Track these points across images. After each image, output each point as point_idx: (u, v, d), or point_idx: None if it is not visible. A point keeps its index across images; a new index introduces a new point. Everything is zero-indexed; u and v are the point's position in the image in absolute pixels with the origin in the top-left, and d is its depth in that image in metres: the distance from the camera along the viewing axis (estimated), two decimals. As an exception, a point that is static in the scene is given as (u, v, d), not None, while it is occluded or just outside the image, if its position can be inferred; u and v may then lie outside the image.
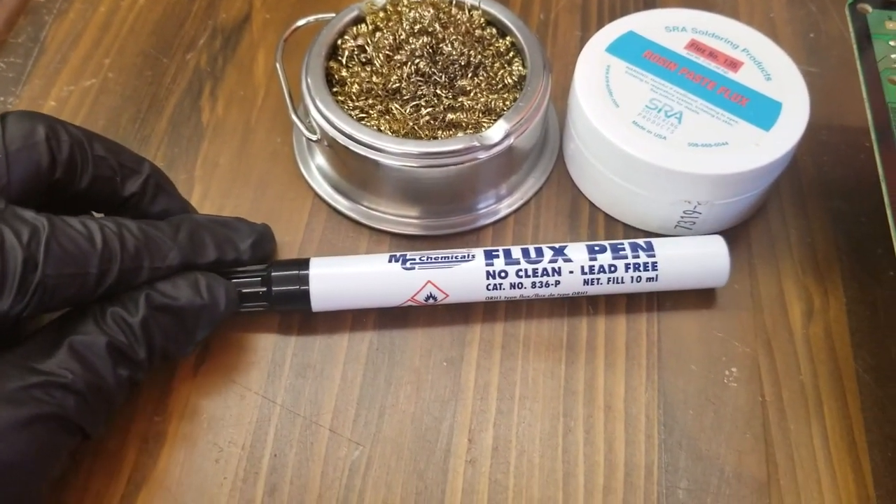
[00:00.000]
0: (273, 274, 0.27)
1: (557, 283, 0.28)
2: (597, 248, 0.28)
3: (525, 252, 0.28)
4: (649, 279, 0.28)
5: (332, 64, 0.32)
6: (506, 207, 0.32)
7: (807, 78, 0.31)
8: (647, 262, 0.28)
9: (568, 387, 0.28)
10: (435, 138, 0.30)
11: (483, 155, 0.29)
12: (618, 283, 0.28)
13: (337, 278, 0.27)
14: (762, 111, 0.29)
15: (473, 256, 0.28)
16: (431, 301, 0.28)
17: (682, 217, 0.30)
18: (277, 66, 0.32)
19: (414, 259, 0.28)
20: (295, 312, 0.29)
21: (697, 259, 0.28)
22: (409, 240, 0.31)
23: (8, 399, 0.21)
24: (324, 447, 0.26)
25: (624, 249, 0.28)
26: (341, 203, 0.32)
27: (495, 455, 0.26)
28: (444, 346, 0.28)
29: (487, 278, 0.28)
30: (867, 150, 0.32)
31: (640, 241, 0.28)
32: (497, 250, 0.28)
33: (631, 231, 0.31)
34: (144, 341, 0.24)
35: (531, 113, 0.30)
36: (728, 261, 0.28)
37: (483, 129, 0.30)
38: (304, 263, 0.28)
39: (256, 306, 0.27)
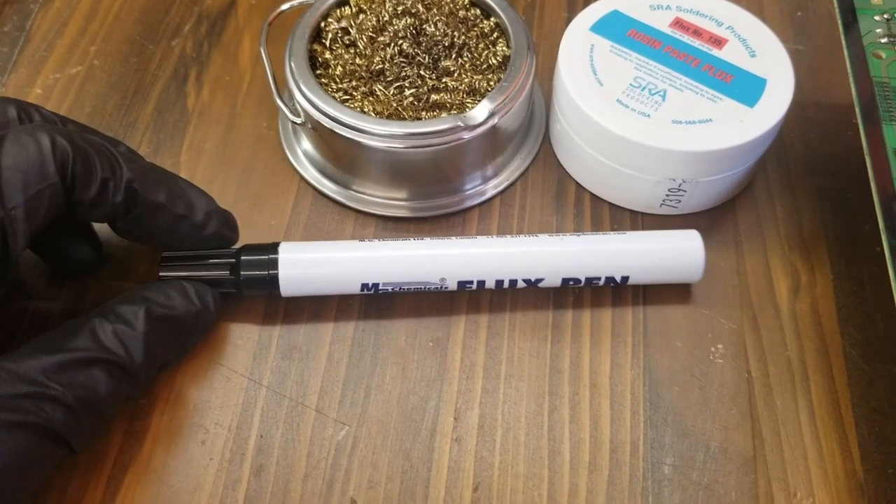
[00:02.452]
0: (242, 258, 0.27)
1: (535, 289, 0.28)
2: (571, 282, 0.28)
3: (499, 283, 0.28)
4: (623, 278, 0.28)
5: (316, 47, 0.32)
6: (492, 188, 0.32)
7: (794, 56, 0.31)
8: (618, 277, 0.28)
9: (554, 365, 0.28)
10: (419, 119, 0.29)
11: (467, 135, 0.29)
12: (594, 282, 0.28)
13: (307, 263, 0.27)
14: (746, 88, 0.29)
15: (446, 287, 0.28)
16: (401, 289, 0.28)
17: (667, 195, 0.30)
18: (262, 50, 0.31)
19: (387, 289, 0.27)
20: (266, 298, 0.29)
21: (671, 265, 0.28)
22: (396, 222, 0.31)
23: None
24: (310, 428, 0.26)
25: (599, 280, 0.28)
26: (327, 186, 0.32)
27: (481, 433, 0.26)
28: (430, 327, 0.28)
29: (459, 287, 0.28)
30: (854, 128, 0.32)
31: (616, 276, 0.28)
32: (471, 282, 0.28)
33: (617, 210, 0.31)
34: (144, 353, 0.24)
35: (515, 93, 0.30)
36: (703, 263, 0.28)
37: (467, 110, 0.29)
38: (273, 248, 0.27)
39: (226, 291, 0.27)
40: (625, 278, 0.28)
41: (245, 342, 0.28)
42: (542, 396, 0.27)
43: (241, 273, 0.27)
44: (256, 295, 0.28)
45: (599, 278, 0.28)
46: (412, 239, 0.28)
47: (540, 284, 0.28)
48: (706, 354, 0.28)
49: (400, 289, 0.27)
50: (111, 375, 0.23)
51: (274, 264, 0.27)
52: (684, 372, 0.27)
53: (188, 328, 0.26)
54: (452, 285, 0.28)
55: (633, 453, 0.26)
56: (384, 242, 0.28)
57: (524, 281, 0.28)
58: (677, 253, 0.28)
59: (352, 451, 0.26)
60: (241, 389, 0.27)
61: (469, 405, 0.27)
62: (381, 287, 0.27)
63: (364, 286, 0.27)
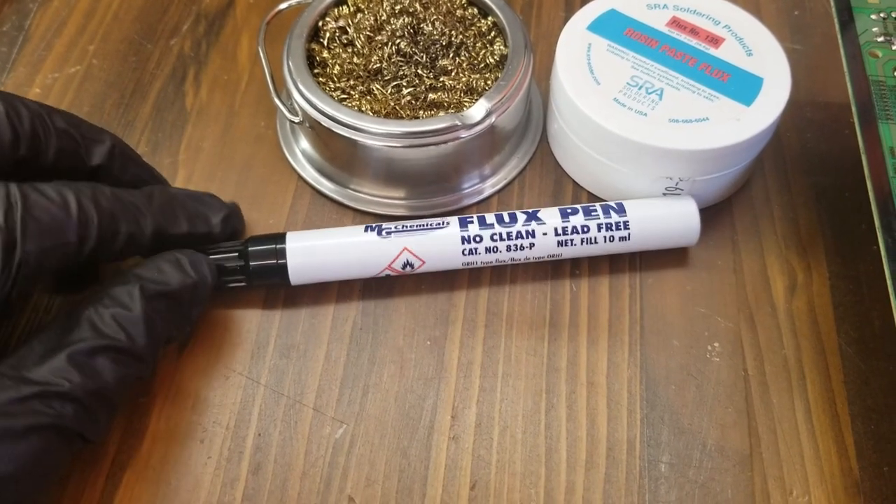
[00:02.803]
0: (250, 249, 0.27)
1: (532, 245, 0.28)
2: (569, 211, 0.29)
3: (499, 217, 0.28)
4: (622, 238, 0.28)
5: (314, 46, 0.32)
6: (490, 187, 0.32)
7: (792, 55, 0.31)
8: (619, 222, 0.28)
9: (551, 364, 0.28)
10: (416, 118, 0.30)
11: (465, 134, 0.29)
12: (591, 243, 0.28)
13: (314, 251, 0.28)
14: (743, 87, 0.29)
15: (448, 223, 0.28)
16: (409, 269, 0.28)
17: (664, 194, 0.30)
18: (260, 49, 0.32)
19: (389, 228, 0.28)
20: (275, 287, 0.29)
21: (668, 216, 0.29)
22: (394, 221, 0.31)
23: (3, 412, 0.20)
24: (308, 426, 0.26)
25: (596, 210, 0.29)
26: (325, 185, 0.32)
27: (478, 431, 0.26)
28: (427, 326, 0.28)
29: (463, 243, 0.28)
30: (851, 127, 0.32)
31: (612, 203, 0.29)
32: (471, 217, 0.28)
33: (614, 209, 0.31)
34: (146, 333, 0.23)
35: (512, 92, 0.30)
36: (698, 217, 0.29)
37: (465, 109, 0.30)
38: (280, 237, 0.28)
39: (235, 281, 0.27)
40: (623, 238, 0.28)
41: (243, 341, 0.28)
42: (539, 395, 0.27)
43: (251, 263, 0.27)
44: (266, 285, 0.29)
45: (595, 240, 0.28)
46: (415, 223, 0.28)
47: (534, 250, 0.28)
48: (703, 353, 0.28)
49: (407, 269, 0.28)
50: (116, 362, 0.23)
51: (282, 253, 0.27)
52: (681, 370, 0.27)
53: (187, 301, 0.25)
54: (455, 264, 0.28)
55: (630, 451, 0.26)
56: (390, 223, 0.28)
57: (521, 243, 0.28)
58: (673, 215, 0.29)
59: (349, 449, 0.26)
60: (240, 388, 0.27)
61: (466, 403, 0.27)
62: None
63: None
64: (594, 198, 0.32)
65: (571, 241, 0.28)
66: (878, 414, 0.27)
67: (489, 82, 0.31)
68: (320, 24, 0.32)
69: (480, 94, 0.30)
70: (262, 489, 0.25)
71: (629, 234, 0.28)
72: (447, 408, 0.27)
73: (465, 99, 0.30)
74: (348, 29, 0.32)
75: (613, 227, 0.28)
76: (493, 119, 0.29)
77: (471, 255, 0.28)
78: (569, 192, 0.32)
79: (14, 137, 0.24)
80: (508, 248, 0.28)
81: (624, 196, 0.31)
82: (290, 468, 0.26)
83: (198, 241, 0.27)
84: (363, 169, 0.31)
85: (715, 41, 0.31)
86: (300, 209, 0.31)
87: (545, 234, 0.28)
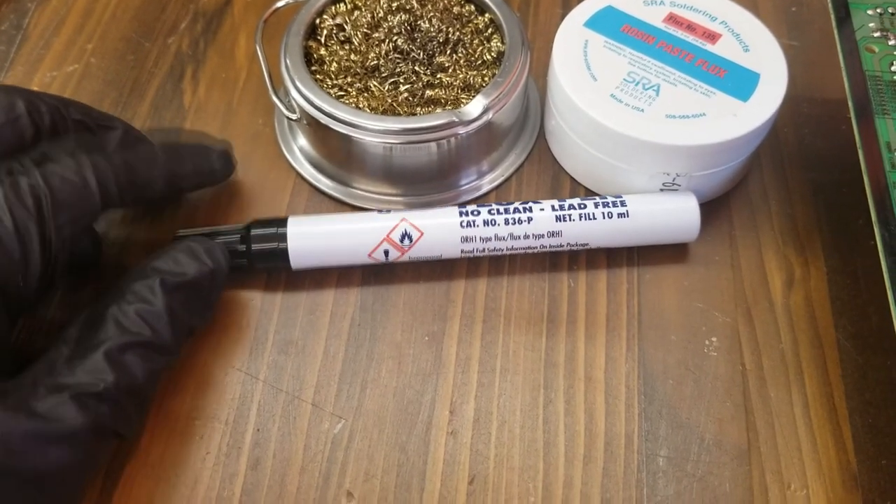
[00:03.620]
0: (252, 232, 0.28)
1: (530, 219, 0.28)
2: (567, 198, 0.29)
3: (497, 202, 0.29)
4: (620, 215, 0.29)
5: (311, 43, 0.32)
6: (487, 183, 0.32)
7: (789, 51, 0.31)
8: (616, 201, 0.29)
9: (549, 359, 0.28)
10: (414, 115, 0.30)
11: (462, 130, 0.29)
12: (589, 219, 0.29)
13: (315, 232, 0.28)
14: (740, 82, 0.29)
15: (447, 203, 0.29)
16: (407, 242, 0.28)
17: (661, 190, 0.30)
18: (257, 47, 0.32)
19: (389, 208, 0.29)
20: (277, 270, 0.29)
21: (668, 210, 0.29)
22: (391, 217, 0.31)
23: (44, 416, 0.21)
24: (306, 421, 0.26)
25: (593, 196, 0.29)
26: (323, 182, 0.32)
27: (476, 426, 0.26)
28: (425, 321, 0.29)
29: (461, 216, 0.28)
30: (848, 122, 0.32)
31: (611, 196, 0.29)
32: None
33: (612, 205, 0.31)
34: (171, 325, 0.24)
35: (510, 88, 0.30)
36: (698, 212, 0.29)
37: (462, 105, 0.30)
38: (282, 222, 0.28)
39: (237, 263, 0.28)
40: (622, 216, 0.29)
41: (241, 337, 0.28)
42: (537, 390, 0.27)
43: (252, 246, 0.28)
44: (267, 268, 0.29)
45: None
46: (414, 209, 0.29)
47: (532, 224, 0.29)
48: (700, 348, 0.28)
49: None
50: (144, 357, 0.23)
51: (283, 237, 0.28)
52: (679, 365, 0.27)
53: (206, 288, 0.26)
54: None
55: (628, 446, 0.26)
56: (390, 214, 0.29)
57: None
58: (673, 204, 0.29)
59: (348, 444, 0.26)
60: (238, 384, 0.27)
61: (464, 399, 0.27)
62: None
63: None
64: (592, 194, 0.32)
65: (569, 216, 0.28)
66: (876, 408, 0.27)
67: (486, 79, 0.31)
68: (317, 21, 0.32)
69: (477, 91, 0.30)
70: (260, 484, 0.25)
71: (628, 212, 0.29)
72: (445, 403, 0.27)
73: (463, 96, 0.30)
74: (345, 26, 0.32)
75: (611, 205, 0.29)
76: (490, 115, 0.29)
77: (469, 229, 0.28)
78: (566, 188, 0.32)
79: (35, 132, 0.24)
80: (506, 222, 0.28)
81: (622, 192, 0.31)
82: (288, 463, 0.26)
83: (203, 178, 0.29)
84: (361, 166, 0.31)
85: (712, 37, 0.31)
86: (298, 206, 0.31)
87: (542, 209, 0.29)
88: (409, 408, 0.27)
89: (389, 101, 0.30)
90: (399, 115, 0.30)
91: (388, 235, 0.28)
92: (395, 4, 0.32)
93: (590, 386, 0.27)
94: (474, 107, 0.29)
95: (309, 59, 0.31)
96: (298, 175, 0.32)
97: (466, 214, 0.28)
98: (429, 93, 0.30)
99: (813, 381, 0.27)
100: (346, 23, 0.32)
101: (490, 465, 0.26)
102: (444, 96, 0.30)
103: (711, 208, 0.31)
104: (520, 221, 0.28)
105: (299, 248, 0.28)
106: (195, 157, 0.28)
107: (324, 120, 0.29)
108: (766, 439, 0.26)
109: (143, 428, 0.26)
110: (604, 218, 0.29)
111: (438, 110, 0.30)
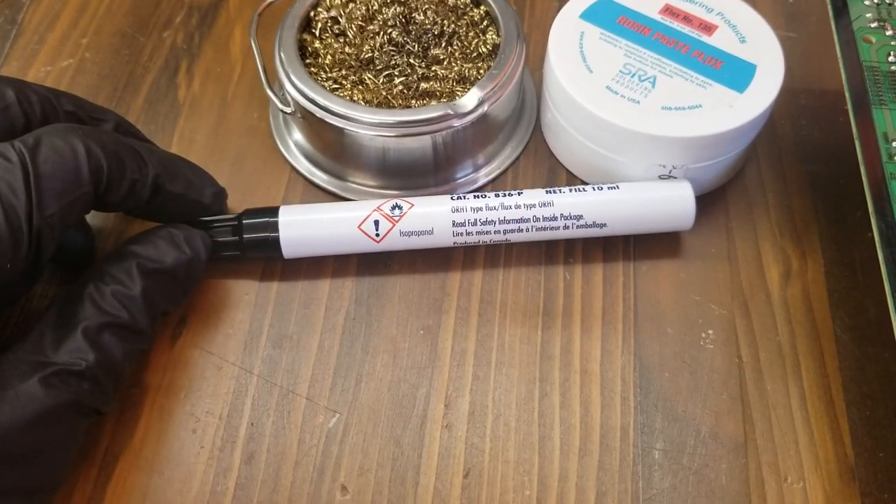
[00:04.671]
0: (244, 222, 0.28)
1: (520, 192, 0.28)
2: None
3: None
4: (611, 187, 0.29)
5: (306, 36, 0.32)
6: (483, 176, 0.32)
7: (787, 43, 0.31)
8: (610, 186, 0.29)
9: (544, 352, 0.28)
10: (409, 108, 0.29)
11: (457, 123, 0.29)
12: (580, 191, 0.28)
13: (306, 219, 0.28)
14: (736, 73, 0.29)
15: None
16: (398, 211, 0.28)
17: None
18: (252, 40, 0.31)
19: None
20: (269, 258, 0.29)
21: (662, 197, 0.29)
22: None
23: (27, 395, 0.21)
24: (300, 415, 0.26)
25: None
26: (318, 176, 0.32)
27: (471, 420, 0.26)
28: (420, 315, 0.28)
29: (451, 197, 0.28)
30: (846, 114, 0.32)
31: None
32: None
33: (608, 198, 0.31)
34: (146, 310, 0.24)
35: (505, 80, 0.30)
36: (693, 198, 0.28)
37: (457, 98, 0.29)
38: (274, 211, 0.28)
39: (229, 254, 0.28)
40: (612, 188, 0.29)
41: (236, 331, 0.28)
42: (533, 383, 0.27)
43: (244, 236, 0.28)
44: (261, 257, 0.29)
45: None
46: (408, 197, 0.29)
47: (522, 196, 0.28)
48: (697, 340, 0.28)
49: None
50: (121, 337, 0.24)
51: (275, 227, 0.28)
52: (675, 358, 0.27)
53: (182, 277, 0.26)
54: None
55: (624, 438, 0.26)
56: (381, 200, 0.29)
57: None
58: (666, 191, 0.29)
59: (342, 438, 0.26)
60: (232, 378, 0.27)
61: (460, 392, 0.27)
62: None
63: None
64: (588, 187, 0.32)
65: (560, 189, 0.28)
66: (874, 400, 0.27)
67: (482, 71, 0.31)
68: (312, 14, 0.32)
69: (473, 84, 0.30)
70: (254, 478, 0.25)
71: (619, 185, 0.29)
72: (440, 396, 0.27)
73: (458, 88, 0.30)
74: (340, 19, 0.31)
75: (605, 188, 0.29)
76: (485, 108, 0.29)
77: (460, 201, 0.28)
78: (563, 180, 0.32)
79: (26, 122, 0.24)
80: (497, 195, 0.28)
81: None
82: (283, 457, 0.26)
83: (188, 206, 0.27)
84: (355, 159, 0.30)
85: (708, 28, 0.31)
86: (293, 200, 0.31)
87: (532, 187, 0.29)
88: (404, 401, 0.27)
89: (384, 93, 0.30)
90: (394, 107, 0.29)
91: (378, 207, 0.28)
92: (389, -3, 0.32)
93: (585, 379, 0.27)
94: (469, 99, 0.29)
95: (304, 52, 0.31)
96: (293, 169, 0.32)
97: (456, 195, 0.29)
98: (424, 85, 0.30)
99: (810, 373, 0.27)
100: (341, 15, 0.32)
101: (485, 458, 0.25)
102: (440, 89, 0.30)
103: (708, 201, 0.31)
104: (510, 194, 0.28)
105: (291, 236, 0.28)
106: (189, 175, 0.27)
107: (318, 113, 0.29)
108: (762, 432, 0.26)
109: (138, 422, 0.26)
110: (594, 190, 0.29)
111: (433, 103, 0.30)
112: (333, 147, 0.31)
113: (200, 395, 0.27)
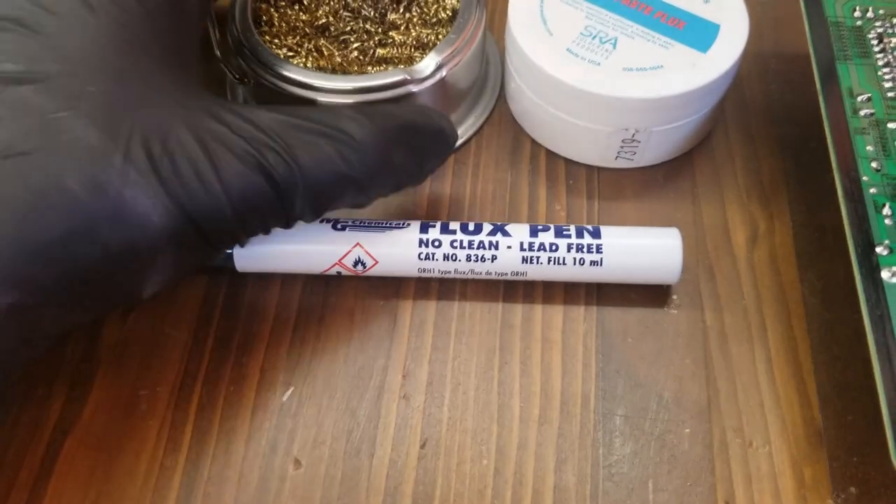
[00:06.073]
0: None
1: (494, 258, 0.26)
2: (540, 228, 0.26)
3: (464, 226, 0.26)
4: (593, 262, 0.26)
5: (262, 5, 0.31)
6: (445, 146, 0.31)
7: (757, 8, 0.30)
8: (592, 245, 0.26)
9: (505, 321, 0.27)
10: (365, 74, 0.29)
11: (415, 88, 0.28)
12: (558, 263, 0.26)
13: (264, 239, 0.26)
14: (699, 33, 0.29)
15: (408, 224, 0.26)
16: (360, 268, 0.26)
17: (621, 146, 0.29)
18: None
19: (346, 222, 0.26)
20: (220, 273, 0.28)
21: (648, 245, 0.26)
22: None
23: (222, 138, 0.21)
24: (253, 389, 0.26)
25: (568, 230, 0.26)
26: (277, 149, 0.31)
27: (429, 390, 0.26)
28: (379, 286, 0.28)
29: (420, 246, 0.26)
30: (816, 76, 0.31)
31: (588, 226, 0.26)
32: (434, 222, 0.27)
33: (572, 165, 0.31)
34: (380, 150, 0.22)
35: (463, 45, 0.29)
36: (681, 254, 0.26)
37: (415, 64, 0.29)
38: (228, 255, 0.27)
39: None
40: (594, 263, 0.26)
41: (189, 304, 0.27)
42: (493, 352, 0.26)
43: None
44: (210, 270, 0.28)
45: (564, 261, 0.26)
46: (373, 221, 0.27)
47: (495, 263, 0.26)
48: (661, 305, 0.27)
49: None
50: (341, 155, 0.21)
51: (230, 257, 0.27)
52: (638, 324, 0.27)
53: (426, 142, 0.24)
54: (411, 269, 0.27)
55: (584, 405, 0.25)
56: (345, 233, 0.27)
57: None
58: (654, 249, 0.26)
59: (297, 411, 0.25)
60: (185, 351, 0.26)
61: (418, 363, 0.26)
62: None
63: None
64: (552, 155, 0.31)
65: (538, 258, 0.26)
66: (843, 363, 0.26)
67: (441, 37, 0.30)
68: (267, -18, 0.31)
69: (432, 50, 0.29)
70: (205, 453, 0.24)
71: (602, 260, 0.26)
72: (398, 367, 0.26)
73: (416, 54, 0.29)
74: (295, -14, 0.31)
75: (585, 250, 0.26)
76: (443, 73, 0.29)
77: (427, 261, 0.26)
78: (527, 149, 0.31)
79: None
80: (468, 258, 0.26)
81: (580, 151, 0.30)
82: (234, 432, 0.25)
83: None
84: (314, 130, 0.30)
85: (671, -11, 0.30)
86: (251, 173, 0.31)
87: (509, 247, 0.26)
88: (361, 373, 0.26)
89: (339, 60, 0.29)
90: (349, 74, 0.29)
91: (340, 260, 0.26)
92: (345, -37, 0.31)
93: (547, 347, 0.26)
94: (426, 64, 0.28)
95: (259, 21, 0.30)
96: (252, 142, 0.31)
97: (427, 245, 0.26)
98: (380, 51, 0.29)
99: (776, 336, 0.26)
100: (296, -18, 0.31)
101: (443, 428, 0.25)
102: (397, 55, 0.29)
103: (675, 166, 0.30)
104: (482, 259, 0.26)
105: (247, 267, 0.27)
106: (415, 150, 0.24)
107: (274, 81, 0.28)
108: (727, 396, 0.25)
109: (87, 399, 0.25)
110: (574, 264, 0.26)
111: (390, 69, 0.29)
112: (290, 118, 0.30)
113: (151, 370, 0.26)
